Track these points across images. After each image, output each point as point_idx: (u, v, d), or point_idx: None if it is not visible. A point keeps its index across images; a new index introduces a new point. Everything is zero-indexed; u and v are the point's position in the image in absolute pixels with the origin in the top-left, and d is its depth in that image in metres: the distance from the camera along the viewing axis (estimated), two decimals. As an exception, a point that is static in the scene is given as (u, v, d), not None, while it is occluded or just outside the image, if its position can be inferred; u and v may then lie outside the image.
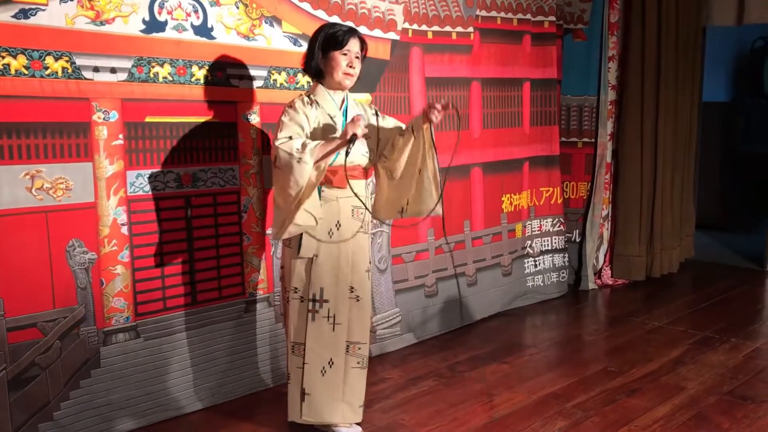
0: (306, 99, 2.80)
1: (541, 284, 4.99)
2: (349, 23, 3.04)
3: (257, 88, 3.32)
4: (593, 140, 5.32)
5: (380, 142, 2.95)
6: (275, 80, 3.39)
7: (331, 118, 2.80)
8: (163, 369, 3.05)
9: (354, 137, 2.58)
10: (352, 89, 3.51)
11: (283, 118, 2.74)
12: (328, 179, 2.74)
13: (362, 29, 3.70)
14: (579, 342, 4.16)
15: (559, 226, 5.10)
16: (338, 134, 2.69)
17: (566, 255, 5.16)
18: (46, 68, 2.67)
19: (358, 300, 2.82)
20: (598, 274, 5.42)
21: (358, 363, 2.84)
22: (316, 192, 2.67)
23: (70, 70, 2.73)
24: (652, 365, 3.67)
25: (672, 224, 5.53)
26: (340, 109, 2.85)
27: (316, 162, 2.57)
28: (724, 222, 7.44)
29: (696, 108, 5.88)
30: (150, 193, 3.01)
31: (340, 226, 2.80)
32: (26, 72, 2.62)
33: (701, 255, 6.27)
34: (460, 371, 3.61)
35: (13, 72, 2.59)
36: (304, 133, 2.71)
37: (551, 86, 4.94)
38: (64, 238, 2.76)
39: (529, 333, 4.36)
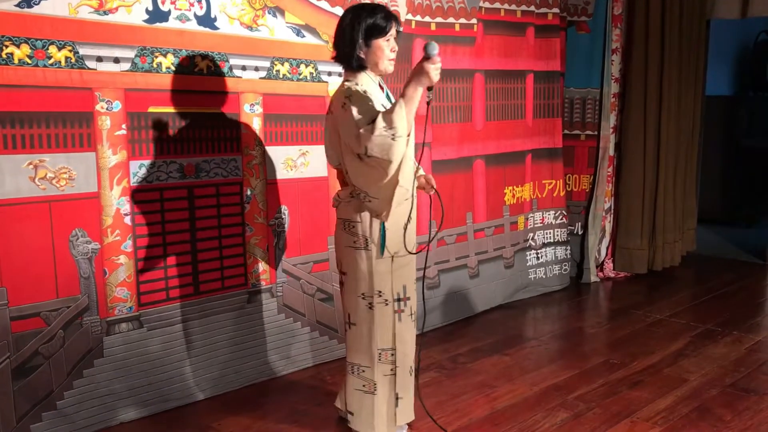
0: (356, 87, 2.51)
1: (543, 276, 4.99)
2: (379, 3, 2.95)
3: (260, 78, 3.31)
4: (596, 133, 5.31)
5: None
6: (278, 71, 3.38)
7: (383, 106, 2.56)
8: (165, 359, 3.06)
9: (431, 87, 2.42)
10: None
11: (353, 107, 2.43)
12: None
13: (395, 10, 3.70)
14: (580, 334, 4.16)
15: (561, 219, 5.09)
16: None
17: (568, 247, 5.15)
18: (50, 58, 2.67)
19: (414, 292, 2.74)
20: (600, 266, 5.42)
21: None
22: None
23: (73, 60, 2.73)
24: (654, 357, 3.67)
25: (674, 218, 5.52)
26: (383, 93, 2.68)
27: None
28: (726, 216, 7.43)
29: (699, 101, 5.86)
30: (153, 183, 3.01)
31: (410, 219, 2.66)
32: (29, 61, 2.61)
33: (703, 249, 6.27)
34: (462, 363, 3.61)
35: (16, 61, 2.58)
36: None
37: (554, 78, 4.93)
38: (67, 228, 2.76)
39: (530, 325, 4.37)
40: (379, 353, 2.63)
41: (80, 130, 2.78)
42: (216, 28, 3.14)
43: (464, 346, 3.85)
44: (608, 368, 3.53)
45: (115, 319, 2.92)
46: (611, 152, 5.34)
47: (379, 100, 2.57)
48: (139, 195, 2.96)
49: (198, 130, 3.13)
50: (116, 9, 2.82)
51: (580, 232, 5.36)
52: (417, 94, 2.42)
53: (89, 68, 2.77)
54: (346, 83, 2.56)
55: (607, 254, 5.44)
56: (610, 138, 5.30)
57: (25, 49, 2.60)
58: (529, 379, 3.40)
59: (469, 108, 4.36)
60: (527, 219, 4.87)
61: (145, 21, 2.92)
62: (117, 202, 2.90)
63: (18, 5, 2.56)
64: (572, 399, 3.15)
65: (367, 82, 2.58)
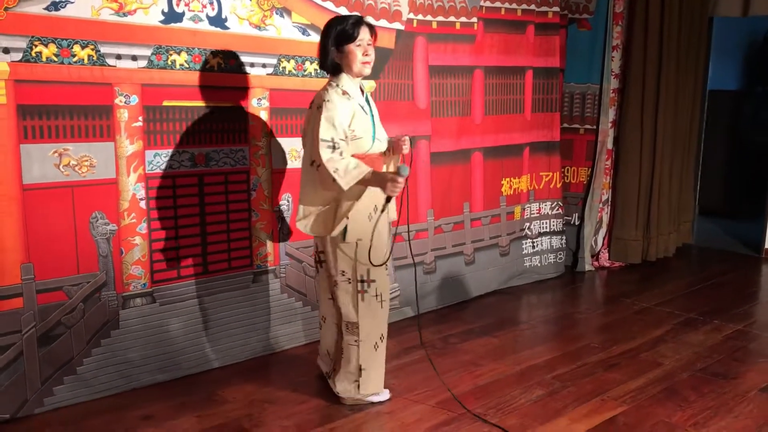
0: (337, 89, 2.86)
1: (538, 265, 5.21)
2: (356, 14, 3.25)
3: (267, 74, 3.56)
4: (595, 127, 5.51)
5: None
6: (284, 68, 3.62)
7: (362, 108, 2.93)
8: (176, 331, 3.34)
9: (390, 198, 2.81)
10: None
11: (324, 114, 2.76)
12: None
13: (369, 19, 3.91)
14: (569, 320, 4.39)
15: (557, 210, 5.31)
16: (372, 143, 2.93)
17: (563, 237, 5.37)
18: (74, 56, 2.93)
19: (388, 276, 3.08)
20: (596, 256, 5.63)
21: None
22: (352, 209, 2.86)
23: (95, 58, 2.99)
24: (634, 343, 3.89)
25: (669, 210, 5.71)
26: (363, 96, 2.99)
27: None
28: (728, 209, 7.58)
29: (699, 97, 6.03)
30: (166, 171, 3.28)
31: (377, 209, 2.92)
32: (56, 59, 2.88)
33: (702, 241, 6.46)
34: (452, 343, 3.86)
35: (44, 59, 2.86)
36: (344, 133, 2.80)
37: (553, 75, 5.13)
38: (87, 211, 3.04)
39: (522, 310, 4.60)
40: (346, 324, 3.00)
41: (101, 122, 3.05)
42: (227, 27, 3.39)
43: (456, 328, 4.10)
44: (588, 351, 3.76)
45: (130, 294, 3.20)
46: (610, 146, 5.53)
47: (356, 102, 2.91)
48: (153, 181, 3.23)
49: (208, 123, 3.38)
50: (134, 11, 3.08)
51: (577, 223, 5.57)
52: (363, 184, 2.78)
53: (109, 65, 3.04)
54: (328, 85, 2.91)
55: (603, 244, 5.65)
56: (609, 132, 5.50)
57: (52, 48, 2.87)
58: (513, 359, 3.64)
59: (468, 103, 4.58)
60: (524, 209, 5.09)
61: (161, 22, 3.17)
62: (133, 188, 3.17)
63: (46, 8, 2.83)
64: (550, 378, 3.39)
65: (347, 83, 2.92)
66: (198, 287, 3.42)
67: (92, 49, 2.98)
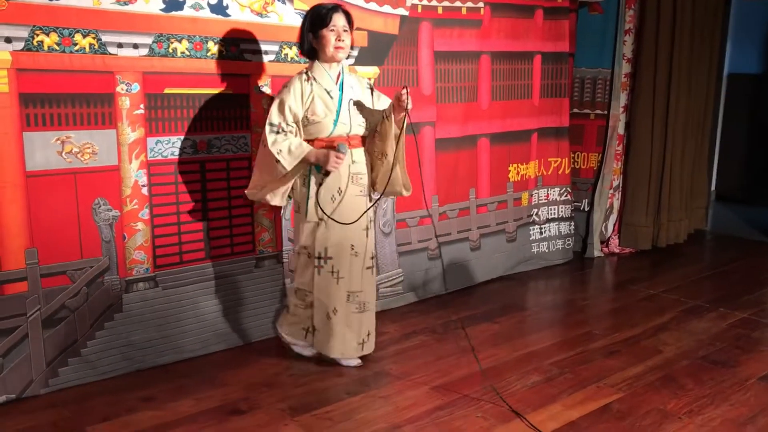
0: (304, 76, 3.14)
1: (546, 251, 5.21)
2: (335, 2, 3.27)
3: (269, 61, 3.59)
4: (606, 112, 5.46)
5: (373, 118, 3.25)
6: (286, 54, 3.64)
7: (328, 93, 3.13)
8: (179, 315, 3.40)
9: (328, 172, 3.08)
10: (361, 62, 3.80)
11: (277, 98, 3.09)
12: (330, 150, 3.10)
13: (372, 5, 3.94)
14: (572, 306, 4.39)
15: (566, 196, 5.29)
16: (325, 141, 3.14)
17: (572, 223, 5.35)
18: (75, 44, 2.98)
19: (356, 255, 3.23)
20: (606, 242, 5.61)
21: (357, 308, 3.28)
22: (289, 183, 3.15)
23: (96, 46, 3.04)
24: (636, 330, 3.89)
25: (680, 196, 5.66)
26: (336, 83, 3.16)
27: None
28: (746, 195, 7.48)
29: (713, 81, 5.94)
30: (168, 157, 3.33)
31: (341, 192, 3.16)
32: (57, 48, 2.94)
33: (717, 227, 6.40)
34: (453, 329, 3.89)
35: (46, 48, 2.91)
36: (294, 118, 3.07)
37: (563, 59, 5.09)
38: (90, 197, 3.11)
39: (527, 296, 4.61)
40: (295, 289, 3.32)
41: (102, 110, 3.10)
42: (228, 15, 3.42)
43: (458, 314, 4.11)
44: (589, 338, 3.77)
45: (133, 278, 3.27)
46: (621, 131, 5.48)
47: (321, 87, 3.12)
48: (155, 168, 3.29)
49: (210, 110, 3.42)
50: (135, 0, 3.12)
51: (586, 209, 5.55)
52: (306, 161, 3.07)
53: (111, 54, 3.08)
54: (301, 71, 3.18)
55: (613, 230, 5.62)
56: (620, 117, 5.45)
57: (54, 37, 2.92)
58: (512, 345, 3.66)
59: (474, 88, 4.57)
60: (531, 195, 5.08)
61: (162, 10, 3.21)
62: (135, 175, 3.23)
63: (47, -2, 2.88)
64: (548, 364, 3.41)
65: (317, 69, 3.16)
66: (200, 272, 3.48)
67: (93, 38, 3.03)
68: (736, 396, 3.09)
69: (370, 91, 3.32)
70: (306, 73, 3.15)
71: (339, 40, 3.09)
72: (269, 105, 3.20)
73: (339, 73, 3.19)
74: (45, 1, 2.87)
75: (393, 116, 3.15)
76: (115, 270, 3.21)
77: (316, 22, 3.09)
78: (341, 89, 3.16)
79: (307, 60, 3.29)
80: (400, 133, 3.19)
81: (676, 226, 5.67)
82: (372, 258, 3.33)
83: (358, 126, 3.21)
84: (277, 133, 3.05)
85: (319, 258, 3.19)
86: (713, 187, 7.54)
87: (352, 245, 3.20)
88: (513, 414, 2.87)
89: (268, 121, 3.07)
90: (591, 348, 3.62)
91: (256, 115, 3.57)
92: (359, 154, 3.27)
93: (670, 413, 2.93)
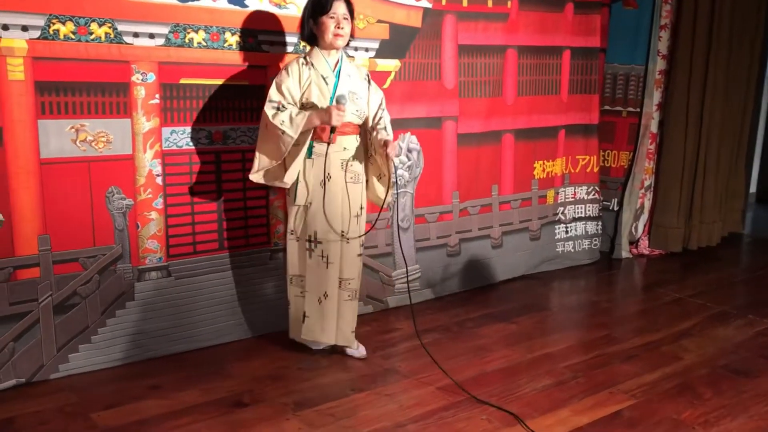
0: (302, 60, 3.17)
1: (572, 250, 5.10)
2: None
3: (287, 53, 3.57)
4: (638, 110, 5.32)
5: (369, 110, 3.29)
6: (305, 46, 3.61)
7: (324, 78, 3.14)
8: (191, 305, 3.41)
9: (334, 128, 3.08)
10: (382, 55, 3.77)
11: (276, 79, 3.12)
12: (318, 136, 3.15)
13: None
14: (594, 308, 4.29)
15: (593, 195, 5.17)
16: (325, 104, 3.12)
17: (600, 223, 5.23)
18: (91, 33, 3.00)
19: (348, 242, 3.24)
20: (635, 243, 5.47)
21: (349, 296, 3.31)
22: (301, 154, 3.12)
23: (112, 36, 3.06)
24: (657, 335, 3.77)
25: (714, 198, 5.49)
26: (334, 70, 3.17)
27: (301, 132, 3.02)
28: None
29: (754, 80, 5.74)
30: (183, 148, 3.33)
31: (330, 177, 3.18)
32: (73, 37, 2.96)
33: (756, 230, 6.20)
34: (468, 327, 3.83)
35: (62, 37, 2.93)
36: (292, 99, 3.10)
37: (593, 55, 4.96)
38: (104, 185, 3.13)
39: (548, 296, 4.52)
40: (291, 278, 3.31)
41: (117, 99, 3.12)
42: (245, 6, 3.40)
43: (475, 312, 4.06)
44: (608, 341, 3.67)
45: (145, 267, 3.29)
46: (654, 129, 5.33)
47: (317, 72, 3.13)
48: (169, 158, 3.30)
49: (226, 101, 3.42)
50: (152, -11, 3.13)
51: (616, 208, 5.42)
52: (311, 125, 3.05)
53: (126, 43, 3.10)
54: (299, 57, 3.19)
55: (644, 231, 5.47)
56: (654, 115, 5.30)
57: (70, 26, 2.94)
58: (527, 346, 3.58)
59: (499, 83, 4.48)
60: (557, 193, 4.98)
61: (179, 0, 3.21)
62: (149, 164, 3.24)
63: (63, -13, 2.90)
64: (561, 367, 3.33)
65: (315, 55, 3.18)
66: (214, 263, 3.48)
67: (109, 27, 3.05)
68: (756, 408, 2.97)
69: (367, 82, 3.30)
70: (305, 58, 3.17)
71: (338, 28, 3.10)
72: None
73: (338, 61, 3.20)
74: (61, -10, 2.89)
75: (380, 153, 3.20)
76: (128, 258, 3.24)
77: (316, 8, 3.12)
78: (338, 77, 3.17)
79: (307, 45, 3.29)
80: (389, 178, 3.27)
81: (708, 228, 5.50)
82: (362, 245, 3.36)
83: (351, 114, 3.19)
84: (278, 109, 3.06)
85: (310, 241, 3.22)
86: (753, 189, 7.32)
87: (342, 231, 3.22)
88: (520, 418, 2.80)
89: (267, 99, 3.09)
90: (608, 352, 3.53)
91: (272, 106, 3.55)
92: (351, 141, 3.24)
93: (683, 423, 2.83)
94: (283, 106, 3.06)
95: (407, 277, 3.90)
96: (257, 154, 3.18)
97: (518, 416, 2.80)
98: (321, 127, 3.10)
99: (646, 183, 5.39)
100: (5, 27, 2.79)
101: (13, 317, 2.94)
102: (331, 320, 3.29)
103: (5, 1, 2.77)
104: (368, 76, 3.34)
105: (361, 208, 3.32)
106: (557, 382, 3.17)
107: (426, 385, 3.10)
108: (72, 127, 3.01)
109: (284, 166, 3.15)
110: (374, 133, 3.23)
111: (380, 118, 3.28)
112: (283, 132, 3.00)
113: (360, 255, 3.34)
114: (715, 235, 5.58)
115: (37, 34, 2.87)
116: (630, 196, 5.35)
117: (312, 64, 3.15)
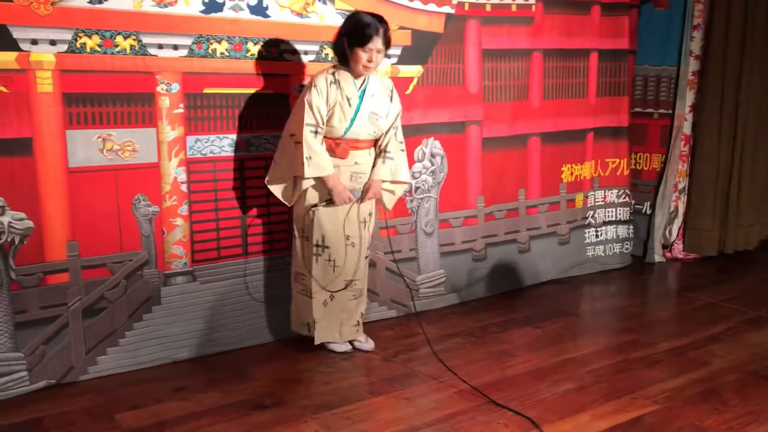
0: (330, 77, 3.20)
1: (602, 254, 5.04)
2: (376, 19, 3.19)
3: (309, 61, 3.62)
4: (670, 111, 5.23)
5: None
6: (327, 54, 3.67)
7: (348, 100, 3.21)
8: (216, 309, 3.49)
9: (332, 203, 3.29)
10: (404, 61, 3.87)
11: (307, 97, 3.15)
12: (332, 149, 3.20)
13: (416, 3, 3.92)
14: (622, 312, 4.23)
15: (624, 198, 5.10)
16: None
17: (630, 226, 5.16)
18: (117, 46, 3.10)
19: (353, 246, 3.36)
20: (669, 247, 5.37)
21: (354, 296, 3.45)
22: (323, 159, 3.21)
23: (137, 48, 3.15)
24: (685, 339, 3.71)
25: (752, 201, 5.36)
26: (359, 90, 3.22)
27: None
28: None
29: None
30: (207, 155, 3.41)
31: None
32: (99, 50, 3.06)
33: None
34: (492, 332, 3.82)
35: (88, 50, 3.04)
36: (322, 120, 3.17)
37: (622, 57, 4.91)
38: (130, 193, 3.22)
39: (576, 301, 4.47)
40: (294, 273, 3.44)
41: (143, 109, 3.21)
42: (267, 16, 3.47)
43: (500, 317, 4.04)
44: (634, 346, 3.62)
45: (171, 272, 3.38)
46: (688, 131, 5.24)
47: (343, 92, 3.18)
48: (194, 166, 3.38)
49: (249, 109, 3.49)
50: (175, 1, 3.21)
51: (648, 212, 5.33)
52: (326, 183, 3.24)
53: (151, 55, 3.19)
54: (326, 70, 3.23)
55: (678, 235, 5.37)
56: (687, 117, 5.21)
57: (96, 39, 3.05)
58: (550, 351, 3.56)
59: (525, 86, 4.47)
60: (587, 197, 4.93)
61: (202, 12, 3.29)
62: (174, 172, 3.33)
63: (90, 2, 3.00)
64: (584, 372, 3.29)
65: (343, 77, 3.21)
66: (238, 267, 3.55)
67: (134, 40, 3.14)
68: (784, 415, 2.91)
69: (390, 98, 3.34)
70: (333, 74, 3.21)
71: (369, 61, 3.16)
72: (300, 102, 3.23)
73: (364, 80, 3.26)
74: (88, 4, 3.00)
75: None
76: (154, 264, 3.32)
77: (354, 37, 3.14)
78: (361, 98, 3.23)
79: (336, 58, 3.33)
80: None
81: (745, 231, 5.37)
82: (368, 248, 3.48)
83: (369, 134, 3.31)
84: (315, 132, 3.15)
85: (317, 246, 3.30)
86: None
87: (348, 236, 3.32)
88: (537, 423, 2.79)
89: (304, 122, 3.14)
90: (633, 357, 3.48)
91: (295, 114, 3.61)
92: (363, 155, 3.35)
93: (706, 430, 2.77)
94: (320, 129, 3.16)
95: (405, 277, 3.91)
96: (276, 159, 3.32)
97: (535, 421, 2.78)
98: (336, 142, 3.21)
99: (680, 186, 5.29)
100: (34, 42, 2.91)
101: (44, 321, 3.04)
102: (336, 320, 3.42)
103: (34, 17, 2.88)
104: (392, 91, 3.38)
105: (370, 214, 3.39)
106: (578, 387, 3.14)
107: (445, 389, 3.11)
108: (99, 137, 3.11)
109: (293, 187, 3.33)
110: (379, 161, 3.35)
111: (388, 141, 3.35)
112: (302, 164, 3.12)
113: (367, 257, 3.46)
114: (752, 239, 5.44)
115: (64, 47, 2.98)
116: (662, 199, 5.27)
117: (339, 82, 3.19)
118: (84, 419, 2.82)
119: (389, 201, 3.49)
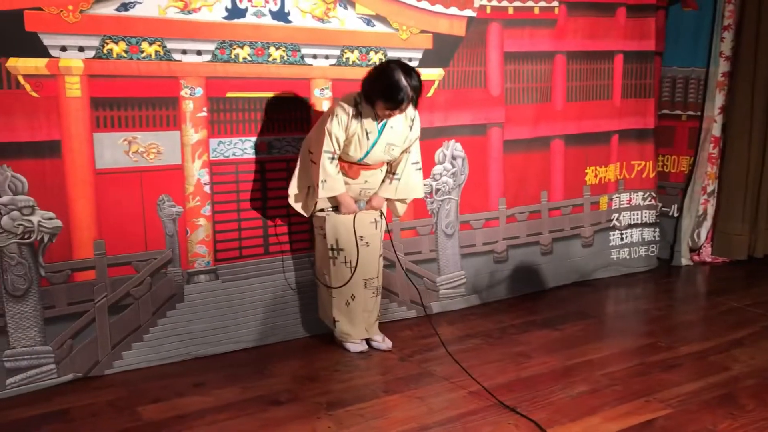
0: (352, 109, 3.21)
1: (628, 257, 5.01)
2: (406, 88, 3.10)
3: (330, 65, 3.69)
4: (699, 113, 5.18)
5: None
6: (347, 58, 3.74)
7: (367, 133, 3.25)
8: (237, 307, 3.58)
9: (338, 211, 3.41)
10: (425, 64, 3.92)
11: (327, 126, 3.20)
12: (344, 169, 3.35)
13: (438, 7, 3.96)
14: (644, 316, 4.21)
15: (650, 200, 5.06)
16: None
17: (657, 229, 5.12)
18: (142, 52, 3.21)
19: (367, 245, 3.47)
20: (698, 250, 5.31)
21: (373, 293, 3.56)
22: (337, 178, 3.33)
23: (161, 53, 3.26)
24: (707, 344, 3.68)
25: (783, 203, 5.26)
26: (379, 124, 3.26)
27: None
28: None
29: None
30: (230, 158, 3.51)
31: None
32: (125, 55, 3.18)
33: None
34: (510, 333, 3.84)
35: (115, 56, 3.16)
36: (339, 148, 3.25)
37: (648, 58, 4.87)
38: (155, 194, 3.34)
39: (599, 304, 4.46)
40: (318, 268, 3.58)
41: (167, 112, 3.32)
42: (289, 21, 3.55)
43: (519, 319, 4.06)
44: (652, 350, 3.60)
45: (194, 271, 3.48)
46: (717, 133, 5.17)
47: (362, 125, 3.22)
48: (217, 167, 3.48)
49: (271, 112, 3.57)
50: (199, 8, 3.31)
51: (675, 215, 5.28)
52: (337, 200, 3.36)
53: (175, 60, 3.30)
54: (347, 101, 3.23)
55: (707, 238, 5.31)
56: (717, 119, 5.14)
57: (122, 45, 3.17)
58: (567, 353, 3.56)
59: (548, 89, 4.47)
60: (611, 199, 4.91)
61: (225, 18, 3.38)
62: (198, 173, 3.43)
63: (116, 9, 3.12)
64: (599, 375, 3.29)
65: (366, 110, 3.23)
66: (259, 267, 3.64)
67: (159, 46, 3.25)
68: (801, 421, 2.87)
69: (410, 128, 3.34)
70: (356, 104, 3.21)
71: (390, 116, 3.21)
72: (322, 122, 3.30)
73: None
74: (114, 12, 3.12)
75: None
76: (178, 262, 3.43)
77: (384, 96, 3.11)
78: (380, 132, 3.26)
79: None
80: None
81: (776, 235, 5.28)
82: (382, 246, 3.59)
83: (382, 160, 3.40)
84: (332, 159, 3.26)
85: (332, 249, 3.42)
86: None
87: (362, 236, 3.43)
88: (545, 425, 2.80)
89: (323, 149, 3.22)
90: (650, 360, 3.47)
91: (316, 117, 3.68)
92: (374, 174, 3.43)
93: (719, 434, 2.77)
94: (335, 156, 3.24)
95: (424, 277, 3.95)
96: (293, 180, 3.43)
97: (539, 424, 2.80)
98: (349, 165, 3.34)
99: (709, 188, 5.22)
100: (63, 48, 3.03)
101: (71, 316, 3.17)
102: (360, 318, 3.52)
103: (64, 24, 3.01)
104: (413, 120, 3.36)
105: (381, 214, 3.43)
106: (592, 390, 3.14)
107: (458, 389, 3.15)
108: (125, 140, 3.23)
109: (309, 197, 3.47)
110: (386, 181, 3.46)
111: (398, 163, 3.42)
112: (317, 185, 3.25)
113: (381, 255, 3.55)
114: (783, 243, 5.34)
115: (92, 53, 3.10)
116: (690, 201, 5.21)
117: (360, 115, 3.21)
118: (108, 411, 2.93)
119: (400, 209, 3.60)
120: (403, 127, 3.32)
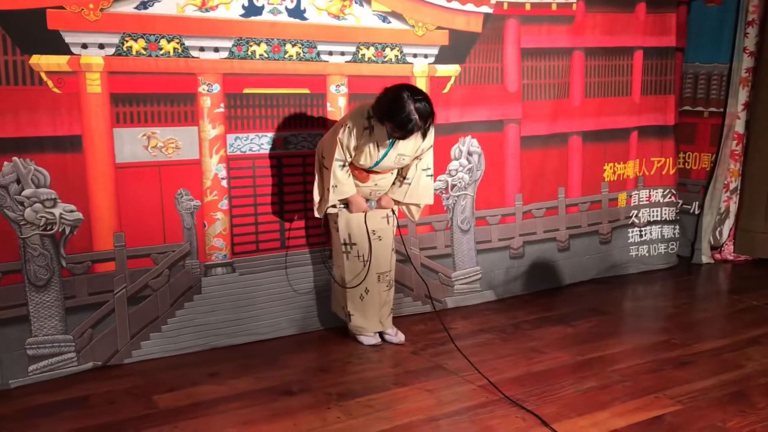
0: (365, 122, 3.22)
1: (647, 254, 4.98)
2: (415, 121, 3.09)
3: (346, 62, 3.74)
4: (721, 110, 5.12)
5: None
6: (363, 55, 3.78)
7: (378, 145, 3.27)
8: (253, 300, 3.65)
9: (349, 209, 3.48)
10: (441, 61, 3.95)
11: (339, 136, 3.24)
12: (354, 174, 3.40)
13: (454, 4, 3.98)
14: (660, 313, 4.19)
15: (670, 197, 5.02)
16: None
17: (676, 226, 5.08)
18: (161, 49, 3.29)
19: (380, 239, 3.53)
20: (719, 248, 5.26)
21: (387, 286, 3.61)
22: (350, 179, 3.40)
23: (180, 50, 3.33)
24: (721, 342, 3.65)
25: (808, 201, 5.18)
26: (390, 137, 3.25)
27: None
28: None
29: None
30: (246, 153, 3.57)
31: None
32: (144, 52, 3.26)
33: None
34: (523, 329, 3.85)
35: (134, 53, 3.24)
36: (350, 157, 3.30)
37: (668, 54, 4.84)
38: (173, 188, 3.41)
39: (615, 300, 4.44)
40: (334, 260, 3.67)
41: (185, 108, 3.39)
42: (305, 18, 3.60)
43: (533, 315, 4.07)
44: (666, 347, 3.59)
45: (212, 263, 3.55)
46: (741, 130, 5.12)
47: (373, 138, 3.23)
48: (234, 162, 3.55)
49: (287, 108, 3.63)
50: (216, 6, 3.38)
51: (696, 212, 5.24)
52: (351, 204, 3.45)
53: (193, 57, 3.37)
54: (361, 115, 3.25)
55: (729, 236, 5.26)
56: (740, 115, 5.09)
57: (141, 42, 3.24)
58: (579, 349, 3.57)
59: (565, 85, 4.47)
60: (630, 196, 4.88)
61: (242, 15, 3.45)
62: (215, 168, 3.50)
63: (136, 8, 3.20)
64: (610, 371, 3.30)
65: (378, 126, 3.22)
66: (275, 260, 3.70)
67: (177, 43, 3.32)
68: (813, 420, 2.85)
69: (422, 139, 3.28)
70: (369, 118, 3.22)
71: (400, 139, 3.22)
72: (335, 131, 3.34)
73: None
74: (134, 10, 3.19)
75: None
76: (196, 255, 3.50)
77: (395, 123, 3.09)
78: (392, 144, 3.28)
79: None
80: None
81: (800, 233, 5.20)
82: (394, 240, 3.62)
83: (392, 167, 3.44)
84: (343, 166, 3.32)
85: (345, 244, 3.49)
86: None
87: (374, 231, 3.50)
88: (553, 419, 2.82)
89: (334, 158, 3.27)
90: (662, 357, 3.46)
91: (332, 113, 3.74)
92: (384, 177, 3.47)
93: (727, 431, 2.76)
94: (346, 164, 3.30)
95: (438, 273, 3.97)
96: (316, 190, 3.49)
97: (542, 418, 2.82)
98: (359, 170, 3.39)
99: (732, 186, 5.17)
100: (84, 46, 3.12)
101: (92, 306, 3.26)
102: (374, 311, 3.58)
103: (84, 22, 3.09)
104: (425, 132, 3.25)
105: (392, 211, 3.49)
106: (602, 385, 3.15)
107: (468, 382, 3.18)
108: (144, 135, 3.31)
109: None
110: (396, 184, 3.50)
111: (409, 169, 3.44)
112: (327, 190, 3.34)
113: (393, 249, 3.58)
114: (807, 241, 5.27)
115: (112, 51, 3.18)
116: (711, 199, 5.16)
117: (372, 129, 3.22)
118: (125, 399, 3.01)
119: (416, 213, 3.63)
120: (415, 139, 3.28)
